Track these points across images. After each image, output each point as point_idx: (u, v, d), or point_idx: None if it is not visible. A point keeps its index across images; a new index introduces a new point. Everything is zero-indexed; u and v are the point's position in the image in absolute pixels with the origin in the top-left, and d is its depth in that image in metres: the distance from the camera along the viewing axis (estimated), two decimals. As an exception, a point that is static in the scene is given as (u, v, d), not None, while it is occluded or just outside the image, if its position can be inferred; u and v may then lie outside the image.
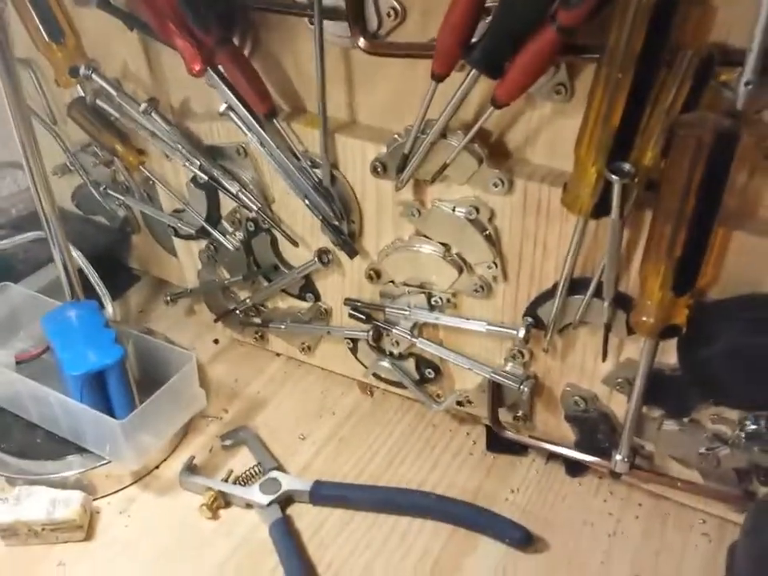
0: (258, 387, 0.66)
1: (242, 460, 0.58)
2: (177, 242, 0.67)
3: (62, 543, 0.52)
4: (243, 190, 0.58)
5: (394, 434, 0.61)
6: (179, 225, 0.64)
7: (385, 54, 0.47)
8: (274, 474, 0.56)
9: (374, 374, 0.62)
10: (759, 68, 0.36)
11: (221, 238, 0.61)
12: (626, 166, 0.40)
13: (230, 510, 0.55)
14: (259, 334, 0.68)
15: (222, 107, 0.52)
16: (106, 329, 0.54)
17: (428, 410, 0.62)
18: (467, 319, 0.53)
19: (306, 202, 0.54)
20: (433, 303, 0.54)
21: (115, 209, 0.73)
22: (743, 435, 0.47)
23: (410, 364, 0.60)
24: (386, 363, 0.60)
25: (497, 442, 0.59)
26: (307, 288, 0.61)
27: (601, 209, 0.42)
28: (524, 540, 0.51)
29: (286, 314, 0.64)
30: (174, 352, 0.58)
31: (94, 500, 0.55)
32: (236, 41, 0.52)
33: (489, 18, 0.41)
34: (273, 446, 0.59)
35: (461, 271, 0.51)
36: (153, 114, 0.57)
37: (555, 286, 0.48)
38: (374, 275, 0.56)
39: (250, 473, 0.56)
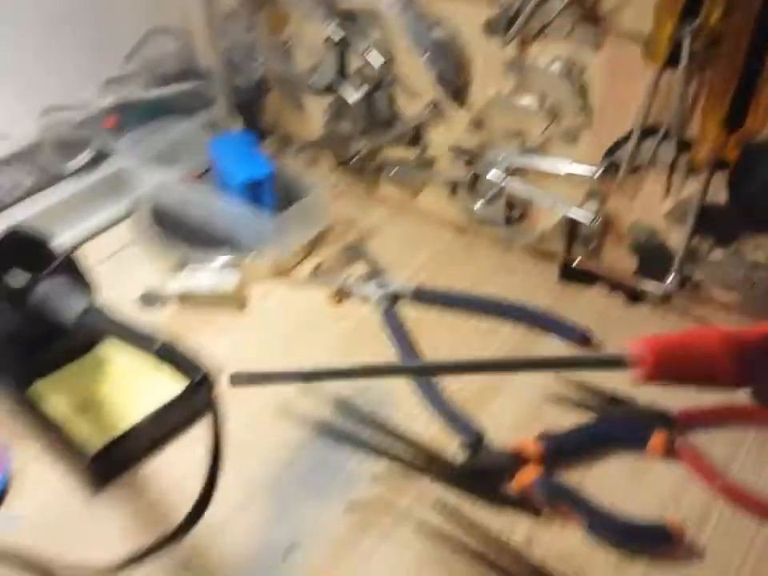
0: (371, 222, 0.79)
1: (359, 269, 0.73)
2: (307, 98, 0.80)
3: (222, 312, 0.68)
4: (370, 49, 0.70)
5: (481, 265, 0.74)
6: (311, 81, 0.77)
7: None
8: (384, 278, 0.70)
9: (468, 216, 0.75)
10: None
11: (347, 93, 0.74)
12: (695, 23, 0.50)
13: (350, 302, 0.69)
14: (373, 180, 0.81)
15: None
16: (258, 152, 0.68)
17: (512, 250, 0.75)
18: (554, 162, 0.65)
19: (425, 57, 0.65)
20: (525, 149, 0.66)
21: (253, 70, 0.86)
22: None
23: (500, 206, 0.72)
24: (479, 205, 0.72)
25: (569, 274, 0.71)
26: (417, 137, 0.73)
27: (673, 60, 0.53)
28: (584, 341, 0.64)
29: (397, 162, 0.77)
30: (309, 176, 0.72)
31: (245, 286, 0.70)
32: None
33: None
34: (382, 263, 0.73)
35: (552, 120, 0.63)
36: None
37: (631, 132, 0.59)
38: (477, 124, 0.67)
39: (366, 277, 0.71)
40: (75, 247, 0.56)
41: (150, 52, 0.83)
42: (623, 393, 0.60)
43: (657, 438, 0.54)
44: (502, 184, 0.69)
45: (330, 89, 0.76)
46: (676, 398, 0.59)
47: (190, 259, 0.69)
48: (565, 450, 0.55)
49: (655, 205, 0.62)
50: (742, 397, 0.52)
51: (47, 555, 0.48)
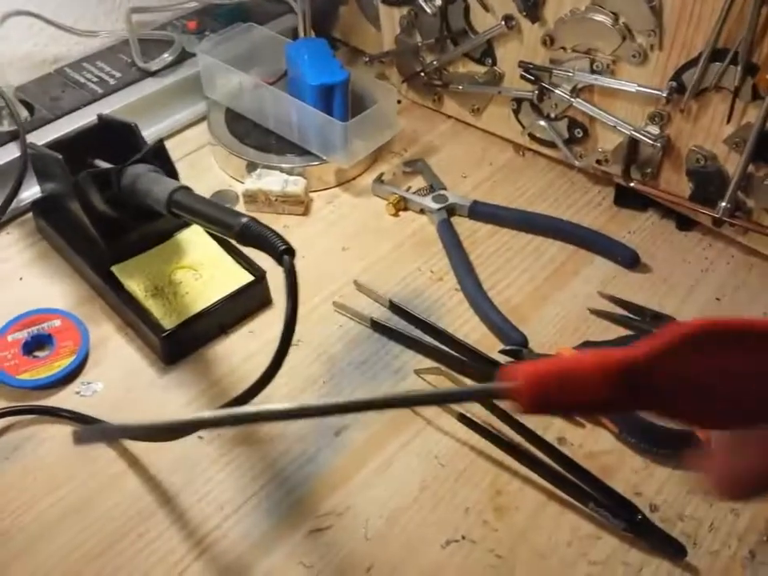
0: (431, 138, 0.81)
1: (418, 183, 0.75)
2: (381, 8, 0.81)
3: (287, 215, 0.71)
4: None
5: (538, 184, 0.76)
6: (389, -9, 0.78)
7: None
8: (442, 192, 0.72)
9: (530, 134, 0.76)
10: None
11: (423, 4, 0.75)
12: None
13: (408, 213, 0.72)
14: (437, 96, 0.82)
15: None
16: (333, 58, 0.70)
17: (569, 171, 0.76)
18: (622, 83, 0.65)
19: (501, -28, 0.66)
20: (594, 68, 0.66)
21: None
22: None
23: (563, 125, 0.73)
24: (542, 123, 0.73)
25: (623, 198, 0.72)
26: (487, 52, 0.74)
27: (750, -20, 0.52)
28: (632, 261, 0.66)
29: (464, 78, 0.78)
30: (379, 85, 0.74)
31: (310, 192, 0.74)
32: None
33: None
34: (441, 178, 0.75)
35: (624, 38, 0.63)
36: None
37: (700, 54, 0.59)
38: (549, 41, 0.68)
39: (424, 190, 0.73)
40: (162, 138, 0.60)
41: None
42: (666, 311, 0.62)
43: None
44: (569, 102, 0.69)
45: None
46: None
47: (260, 163, 0.72)
48: (603, 359, 0.57)
49: (717, 130, 0.62)
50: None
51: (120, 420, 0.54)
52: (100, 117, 0.65)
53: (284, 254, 0.43)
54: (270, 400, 0.53)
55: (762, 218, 0.63)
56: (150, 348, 0.59)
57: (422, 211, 0.72)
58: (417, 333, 0.61)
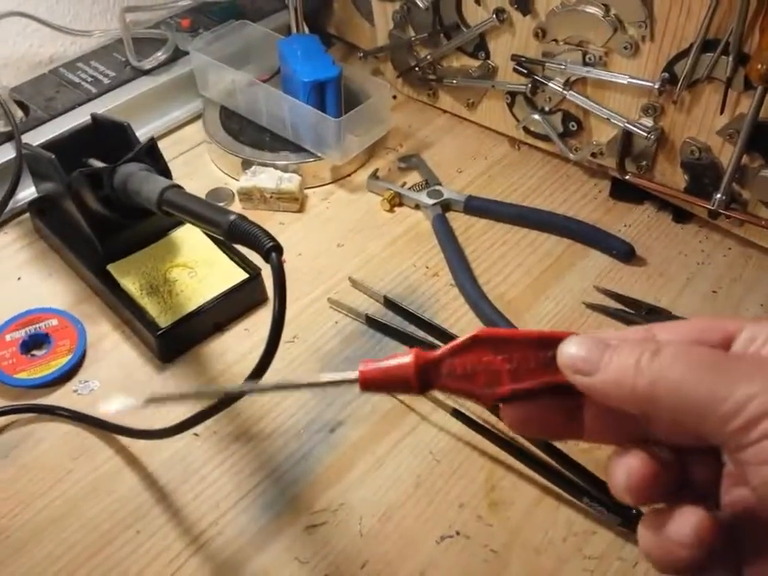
0: (427, 133, 0.81)
1: (413, 178, 0.75)
2: (375, 3, 0.81)
3: (282, 212, 0.72)
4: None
5: (533, 178, 0.76)
6: (381, -13, 0.77)
7: None
8: (438, 187, 0.72)
9: (525, 128, 0.76)
10: None
11: (416, -2, 0.75)
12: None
13: (403, 208, 0.72)
14: (432, 91, 0.82)
15: None
16: (325, 54, 0.70)
17: (564, 165, 0.76)
18: (614, 75, 0.65)
19: (493, -34, 0.66)
20: (587, 60, 0.66)
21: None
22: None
23: (557, 118, 0.72)
24: (536, 116, 0.73)
25: (619, 191, 0.72)
26: (480, 46, 0.74)
27: (740, -30, 0.52)
28: (628, 254, 0.66)
29: (458, 72, 0.78)
30: (372, 80, 0.74)
31: (305, 189, 0.74)
32: None
33: None
34: (436, 173, 0.75)
35: (615, 30, 0.63)
36: None
37: (692, 45, 0.59)
38: (541, 33, 0.68)
39: (419, 185, 0.73)
40: (154, 137, 0.60)
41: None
42: (662, 305, 0.62)
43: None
44: (562, 95, 0.69)
45: (398, -6, 0.76)
46: (713, 313, 0.61)
47: (255, 160, 0.72)
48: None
49: (710, 121, 0.62)
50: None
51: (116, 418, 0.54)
52: (93, 117, 0.65)
53: (271, 251, 0.43)
54: (263, 398, 0.53)
55: (758, 209, 0.63)
56: (146, 346, 0.59)
57: (417, 207, 0.72)
58: (411, 329, 0.61)
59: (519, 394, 0.29)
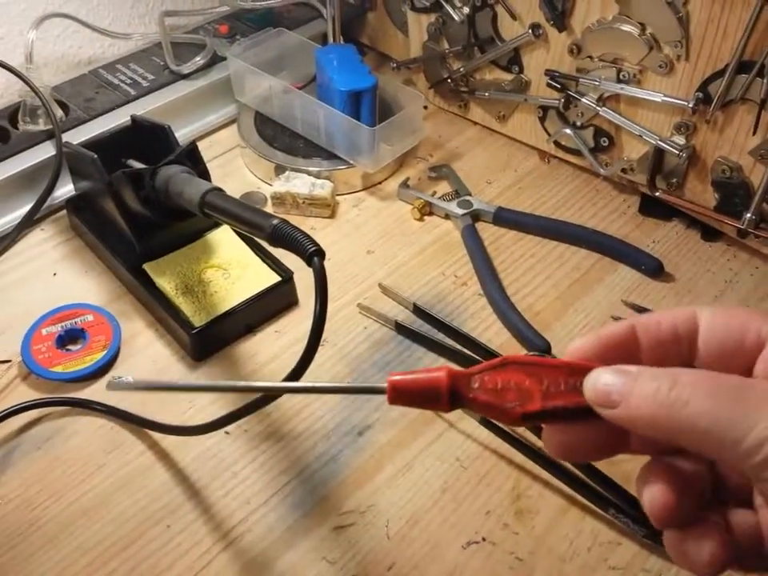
0: (457, 144, 0.82)
1: (443, 188, 0.76)
2: (410, 15, 0.82)
3: (313, 217, 0.73)
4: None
5: (562, 192, 0.76)
6: (418, -2, 0.79)
7: None
8: (468, 198, 0.73)
9: (555, 142, 0.77)
10: None
11: (451, 11, 0.76)
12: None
13: (432, 218, 0.73)
14: (463, 103, 0.83)
15: None
16: (362, 64, 0.71)
17: (594, 179, 0.77)
18: (648, 93, 0.66)
19: (531, -19, 0.67)
20: (621, 77, 0.67)
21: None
22: None
23: (588, 133, 0.73)
24: (568, 131, 0.74)
25: (648, 207, 0.73)
26: (514, 60, 0.75)
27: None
28: (656, 270, 0.66)
29: (490, 85, 0.79)
30: (406, 90, 0.75)
31: (336, 195, 0.75)
32: None
33: None
34: (466, 184, 0.76)
35: (651, 49, 0.63)
36: None
37: (727, 66, 0.60)
38: (576, 50, 0.68)
39: (449, 195, 0.74)
40: (195, 140, 0.61)
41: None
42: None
43: (716, 365, 0.57)
44: (595, 110, 0.70)
45: (435, 7, 0.77)
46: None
47: (288, 166, 0.74)
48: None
49: (742, 141, 0.62)
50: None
51: (149, 414, 0.55)
52: (133, 118, 0.66)
53: (314, 255, 0.44)
54: (293, 398, 0.54)
55: (787, 230, 0.64)
56: (180, 344, 0.60)
57: (446, 216, 0.73)
58: (440, 336, 0.62)
59: (549, 412, 0.29)
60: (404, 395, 0.30)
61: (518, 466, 0.53)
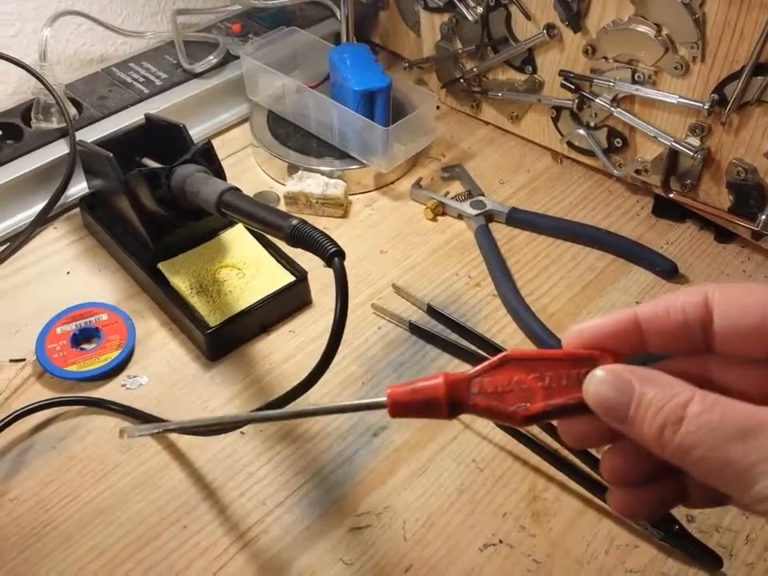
0: (469, 144, 0.82)
1: (456, 188, 0.76)
2: (423, 15, 0.82)
3: (326, 217, 0.72)
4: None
5: (575, 192, 0.76)
6: (431, -3, 0.78)
7: None
8: (481, 198, 0.73)
9: (568, 143, 0.76)
10: None
11: (464, 11, 0.75)
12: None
13: (445, 218, 0.73)
14: (475, 103, 0.83)
15: None
16: (376, 64, 0.71)
17: (607, 180, 0.77)
18: (663, 94, 0.66)
19: (546, -19, 0.66)
20: (636, 78, 0.67)
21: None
22: None
23: (602, 134, 0.73)
24: (581, 131, 0.74)
25: (662, 208, 0.73)
26: (528, 60, 0.75)
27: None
28: (671, 271, 0.66)
29: (503, 85, 0.79)
30: (419, 90, 0.75)
31: (349, 195, 0.74)
32: None
33: None
34: (478, 184, 0.76)
35: (666, 50, 0.63)
36: None
37: (743, 68, 0.59)
38: (590, 50, 0.68)
39: (462, 196, 0.74)
40: (210, 139, 0.61)
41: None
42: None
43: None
44: (609, 111, 0.70)
45: (448, 6, 0.77)
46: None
47: (301, 165, 0.73)
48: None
49: (758, 143, 0.62)
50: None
51: (164, 414, 0.55)
52: (148, 117, 0.66)
53: (334, 255, 0.44)
54: (309, 399, 0.54)
55: (803, 232, 0.64)
56: (194, 344, 0.60)
57: (459, 216, 0.73)
58: (454, 337, 0.62)
59: (552, 411, 0.29)
60: (404, 407, 0.30)
61: (534, 468, 0.53)
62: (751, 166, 0.64)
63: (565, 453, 0.53)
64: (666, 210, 0.72)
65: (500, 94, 0.78)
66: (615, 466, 0.30)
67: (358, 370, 0.60)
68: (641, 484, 0.29)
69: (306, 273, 0.63)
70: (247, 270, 0.63)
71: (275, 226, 0.47)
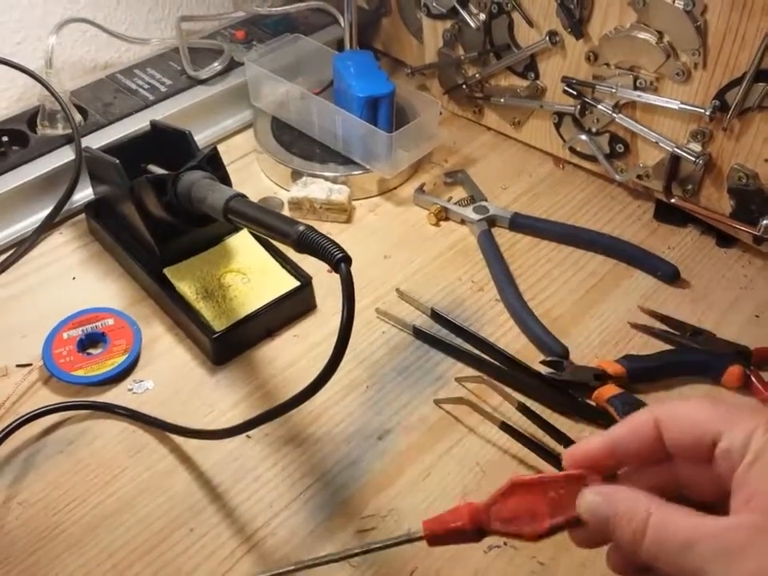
0: (471, 150, 0.82)
1: (458, 194, 0.76)
2: (425, 21, 0.82)
3: (330, 222, 0.73)
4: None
5: (577, 197, 0.77)
6: (433, 4, 0.79)
7: None
8: (483, 203, 0.74)
9: (570, 148, 0.77)
10: None
11: (467, 17, 0.76)
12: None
13: (448, 223, 0.74)
14: (477, 108, 0.83)
15: None
16: (380, 70, 0.72)
17: (609, 185, 0.77)
18: (664, 100, 0.66)
19: (548, -12, 0.67)
20: (637, 84, 0.67)
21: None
22: None
23: (604, 140, 0.74)
24: (583, 137, 0.74)
25: (663, 213, 0.73)
26: (530, 67, 0.75)
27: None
28: (673, 276, 0.67)
29: (505, 91, 0.79)
30: (421, 96, 0.76)
31: (352, 200, 0.75)
32: None
33: None
34: (481, 190, 0.77)
35: (668, 56, 0.64)
36: None
37: (744, 74, 0.60)
38: (592, 57, 0.69)
39: (465, 201, 0.74)
40: (215, 145, 0.62)
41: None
42: (705, 327, 0.63)
43: (733, 371, 0.57)
44: (611, 117, 0.70)
45: (450, 13, 0.78)
46: (756, 337, 0.61)
47: (305, 171, 0.74)
48: (644, 372, 0.58)
49: (759, 149, 0.63)
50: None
51: (170, 418, 0.56)
52: (153, 123, 0.67)
53: (341, 261, 0.45)
54: (314, 403, 0.54)
55: (803, 236, 0.64)
56: (200, 348, 0.61)
57: (462, 222, 0.73)
58: (458, 341, 0.62)
59: (556, 528, 0.33)
60: (439, 539, 0.35)
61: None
62: (752, 172, 0.64)
63: (568, 456, 0.53)
64: (667, 214, 0.73)
65: (502, 100, 0.79)
66: (616, 561, 0.35)
67: (363, 374, 0.60)
68: (640, 572, 0.34)
69: (311, 278, 0.63)
70: (252, 275, 0.63)
71: (282, 233, 0.48)
